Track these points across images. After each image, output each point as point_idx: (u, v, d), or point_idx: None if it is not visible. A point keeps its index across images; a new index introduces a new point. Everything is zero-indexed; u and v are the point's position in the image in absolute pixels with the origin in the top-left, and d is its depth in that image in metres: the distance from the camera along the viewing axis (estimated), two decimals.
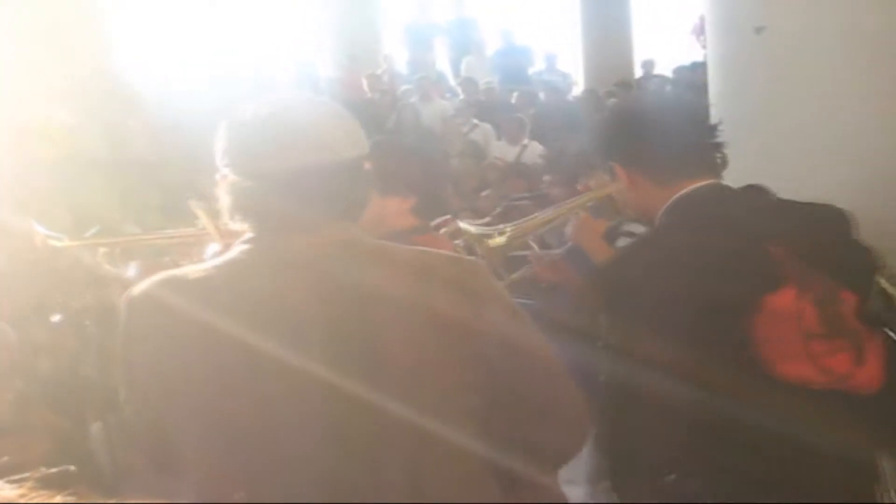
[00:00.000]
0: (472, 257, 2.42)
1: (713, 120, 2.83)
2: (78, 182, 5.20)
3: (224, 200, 2.03)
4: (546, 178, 4.14)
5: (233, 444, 1.91)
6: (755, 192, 2.80)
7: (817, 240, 2.58)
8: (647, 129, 2.80)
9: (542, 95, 14.08)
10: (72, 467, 3.79)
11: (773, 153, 5.52)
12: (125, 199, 5.22)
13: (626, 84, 14.08)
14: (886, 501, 2.51)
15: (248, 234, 2.03)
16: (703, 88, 7.48)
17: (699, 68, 12.26)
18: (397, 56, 16.57)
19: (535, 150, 11.46)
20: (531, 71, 16.21)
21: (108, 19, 7.26)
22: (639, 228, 3.68)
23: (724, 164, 2.82)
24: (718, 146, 2.81)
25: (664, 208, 2.72)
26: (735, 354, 2.45)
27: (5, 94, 5.45)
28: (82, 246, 2.93)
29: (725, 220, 2.64)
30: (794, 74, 5.69)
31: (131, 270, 2.68)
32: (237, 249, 2.02)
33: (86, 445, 4.97)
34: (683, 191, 2.69)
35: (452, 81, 15.74)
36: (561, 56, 16.68)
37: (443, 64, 16.77)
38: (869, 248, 2.67)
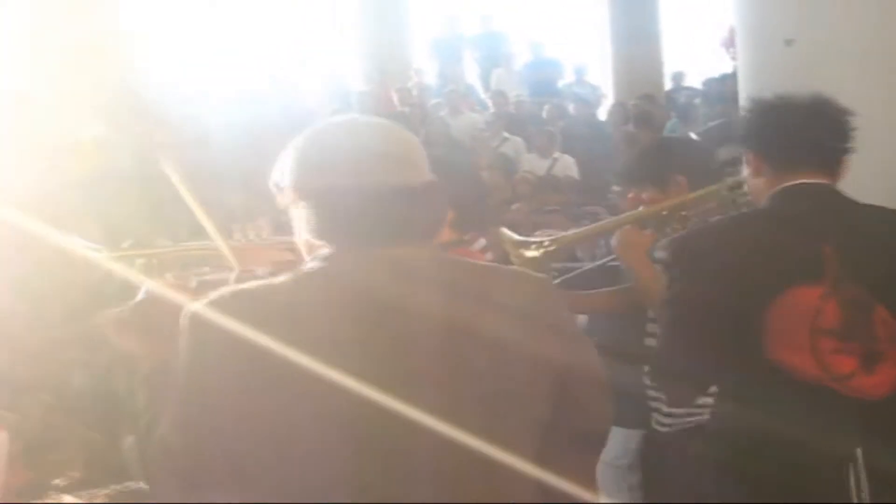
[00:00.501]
0: (542, 275, 2.43)
1: (849, 127, 3.03)
2: (108, 197, 5.23)
3: (297, 216, 2.06)
4: (615, 188, 4.13)
5: (278, 460, 1.92)
6: (850, 200, 2.99)
7: (882, 253, 2.79)
8: (782, 121, 3.01)
9: (571, 108, 14.07)
10: (142, 483, 3.80)
11: None
12: (155, 213, 5.24)
13: (649, 96, 14.05)
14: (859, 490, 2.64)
15: (324, 251, 2.04)
16: (732, 100, 7.48)
17: (729, 80, 12.22)
18: (427, 69, 16.58)
19: (565, 164, 11.45)
20: (561, 83, 16.19)
21: (137, 36, 7.32)
22: None
23: (842, 167, 3.03)
24: (843, 150, 3.01)
25: (766, 198, 2.94)
26: (744, 337, 2.69)
27: (36, 111, 5.49)
28: (120, 258, 2.94)
29: (792, 216, 2.85)
30: (823, 86, 5.66)
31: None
32: (308, 265, 2.04)
33: (118, 459, 5.00)
34: (786, 184, 2.90)
35: (482, 94, 15.74)
36: (591, 68, 16.65)
37: (472, 77, 16.76)
38: None
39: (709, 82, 14.74)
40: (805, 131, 2.95)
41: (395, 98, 14.16)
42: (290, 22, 16.85)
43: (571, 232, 3.96)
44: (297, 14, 17.06)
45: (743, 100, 6.33)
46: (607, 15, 16.45)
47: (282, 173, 2.09)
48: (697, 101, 14.32)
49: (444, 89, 14.61)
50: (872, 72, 5.55)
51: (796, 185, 2.89)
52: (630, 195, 4.05)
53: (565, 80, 16.36)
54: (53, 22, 5.84)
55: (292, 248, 3.13)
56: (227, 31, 14.86)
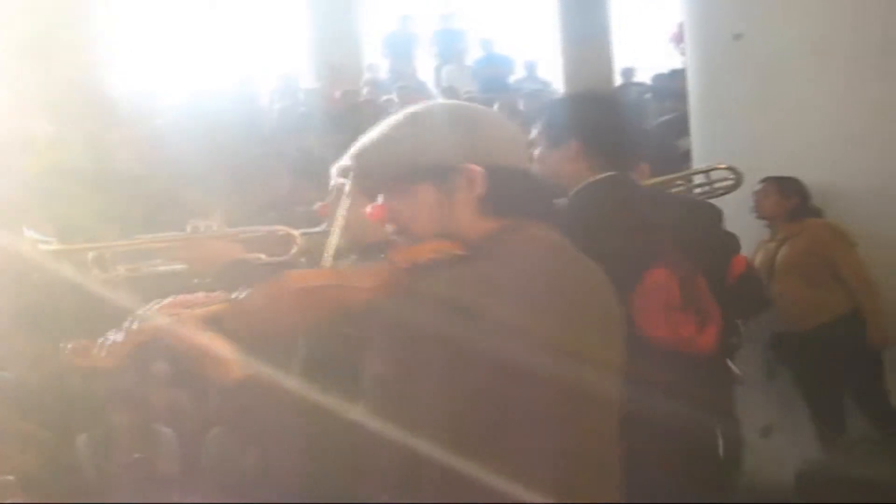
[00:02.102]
0: None
1: (647, 129, 3.34)
2: (60, 193, 5.19)
3: (472, 191, 2.06)
4: None
5: None
6: (641, 186, 3.51)
7: (689, 231, 3.22)
8: (619, 117, 3.42)
9: (521, 104, 14.08)
10: (10, 477, 3.78)
11: (750, 156, 5.57)
12: (108, 210, 5.21)
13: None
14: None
15: (504, 225, 2.07)
16: (682, 95, 7.55)
17: (678, 76, 12.29)
18: (379, 65, 16.53)
19: None
20: (512, 79, 16.21)
21: (90, 32, 7.27)
22: None
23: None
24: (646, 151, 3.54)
25: (577, 188, 3.25)
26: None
27: None
28: (72, 251, 2.92)
29: (627, 207, 3.23)
30: (771, 79, 5.74)
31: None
32: (510, 239, 2.06)
33: (70, 457, 4.97)
34: (596, 177, 3.25)
35: (433, 90, 15.71)
36: (541, 64, 16.68)
37: (424, 73, 16.74)
38: (728, 239, 3.56)
39: (657, 78, 14.80)
40: (635, 127, 3.43)
41: (339, 97, 14.06)
42: (242, 18, 16.77)
43: None
44: (249, 10, 16.98)
45: (693, 93, 6.39)
46: (557, 11, 16.50)
47: (445, 147, 2.09)
48: (648, 96, 14.38)
49: (395, 85, 14.59)
50: (820, 65, 5.61)
51: (615, 176, 3.26)
52: None
53: (516, 75, 16.38)
54: (5, 15, 5.79)
55: (241, 240, 3.15)
56: (181, 27, 14.77)
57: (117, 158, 5.87)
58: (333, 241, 2.33)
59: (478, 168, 2.03)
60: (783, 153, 5.71)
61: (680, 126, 8.25)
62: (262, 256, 3.06)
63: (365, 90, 14.47)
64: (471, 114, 2.15)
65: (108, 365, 1.94)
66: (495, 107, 13.57)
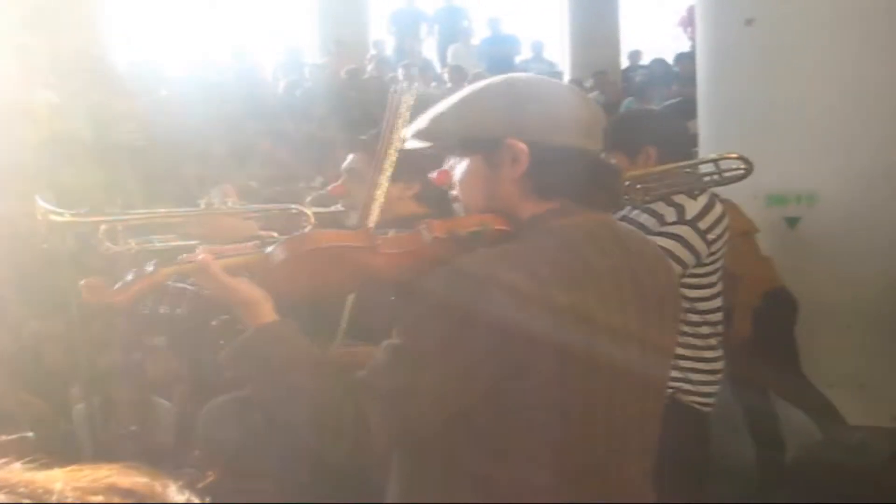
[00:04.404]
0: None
1: None
2: (62, 162, 5.18)
3: (515, 168, 2.01)
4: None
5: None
6: None
7: None
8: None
9: None
10: (30, 434, 3.76)
11: (760, 141, 5.55)
12: (109, 180, 5.20)
13: (603, 73, 14.12)
14: None
15: (550, 208, 2.03)
16: (689, 79, 7.51)
17: (684, 59, 12.27)
18: (385, 43, 16.51)
19: None
20: (518, 59, 16.19)
21: (95, 3, 7.25)
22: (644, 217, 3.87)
23: None
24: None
25: None
26: None
27: None
28: (84, 223, 2.89)
29: None
30: (782, 65, 5.71)
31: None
32: (550, 224, 2.02)
33: (67, 426, 4.96)
34: None
35: (439, 69, 15.70)
36: (548, 45, 16.67)
37: (429, 52, 16.72)
38: None
39: (660, 63, 14.77)
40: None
41: (344, 75, 14.03)
42: None
43: None
44: None
45: (702, 78, 6.36)
46: None
47: (494, 120, 2.04)
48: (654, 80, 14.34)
49: (400, 63, 14.56)
50: (831, 51, 5.59)
51: None
52: None
53: (522, 56, 16.35)
54: None
55: (254, 217, 3.13)
56: (186, 1, 14.73)
57: (119, 129, 5.85)
58: (375, 208, 2.30)
59: (521, 144, 1.98)
60: (793, 138, 5.68)
61: (686, 110, 8.24)
62: (275, 234, 3.04)
63: (370, 67, 14.45)
64: (527, 88, 2.07)
65: (116, 302, 1.98)
66: None
